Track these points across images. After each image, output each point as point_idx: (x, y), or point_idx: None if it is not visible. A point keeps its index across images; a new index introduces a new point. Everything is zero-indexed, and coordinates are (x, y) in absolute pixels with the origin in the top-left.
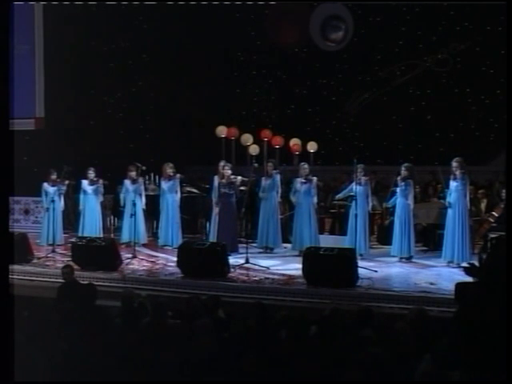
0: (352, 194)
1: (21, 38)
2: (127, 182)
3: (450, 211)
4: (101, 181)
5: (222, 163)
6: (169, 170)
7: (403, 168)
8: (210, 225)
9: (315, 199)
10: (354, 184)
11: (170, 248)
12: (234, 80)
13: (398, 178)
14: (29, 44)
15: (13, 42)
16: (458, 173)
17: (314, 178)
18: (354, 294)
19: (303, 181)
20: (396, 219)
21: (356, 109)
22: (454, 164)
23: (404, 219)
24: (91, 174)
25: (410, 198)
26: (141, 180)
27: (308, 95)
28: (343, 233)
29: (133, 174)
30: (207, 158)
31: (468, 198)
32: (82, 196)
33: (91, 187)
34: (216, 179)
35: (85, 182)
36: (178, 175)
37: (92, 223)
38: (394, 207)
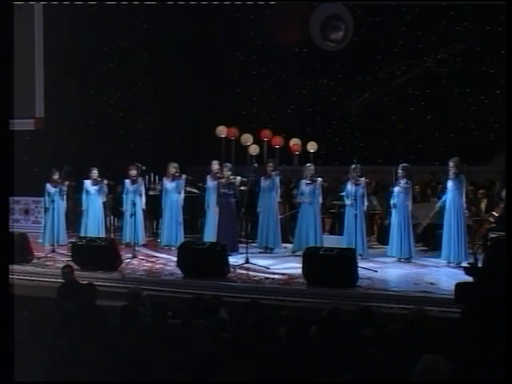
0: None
1: (21, 38)
2: (127, 182)
3: (446, 211)
4: (105, 181)
5: (214, 162)
6: (173, 169)
7: (400, 168)
8: (204, 224)
9: (320, 200)
10: (348, 185)
11: (171, 248)
12: (233, 80)
13: (401, 181)
14: (29, 44)
15: (13, 42)
16: (453, 172)
17: (319, 179)
18: (354, 293)
19: (308, 182)
20: (394, 220)
21: (356, 109)
22: (451, 164)
23: (403, 220)
24: (95, 173)
25: (408, 199)
26: (140, 180)
27: (308, 95)
28: (342, 233)
29: (133, 173)
30: (207, 158)
31: (464, 198)
32: (84, 196)
33: (94, 187)
34: (209, 179)
35: (87, 182)
36: (184, 176)
37: (95, 223)
38: (391, 207)
